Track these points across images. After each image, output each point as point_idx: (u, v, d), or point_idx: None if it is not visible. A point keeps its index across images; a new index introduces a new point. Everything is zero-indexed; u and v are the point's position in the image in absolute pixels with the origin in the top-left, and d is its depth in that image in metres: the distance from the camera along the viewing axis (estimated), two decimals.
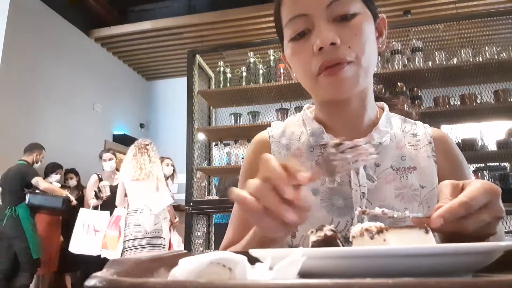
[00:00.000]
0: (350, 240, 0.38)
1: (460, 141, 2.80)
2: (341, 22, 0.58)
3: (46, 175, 4.40)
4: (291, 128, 0.75)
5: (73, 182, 4.59)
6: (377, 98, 0.76)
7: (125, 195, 3.34)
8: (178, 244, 3.65)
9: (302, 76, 0.63)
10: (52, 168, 4.36)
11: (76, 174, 4.71)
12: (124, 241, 3.11)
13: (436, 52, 2.93)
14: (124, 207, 3.32)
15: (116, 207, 3.50)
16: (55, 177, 4.30)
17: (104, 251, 3.49)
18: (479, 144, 2.79)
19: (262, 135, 0.77)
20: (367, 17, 0.61)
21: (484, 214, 0.41)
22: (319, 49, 0.57)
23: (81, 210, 3.84)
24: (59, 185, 4.33)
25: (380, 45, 0.66)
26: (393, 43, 2.94)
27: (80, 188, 4.71)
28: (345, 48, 0.57)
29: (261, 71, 3.18)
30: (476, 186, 0.42)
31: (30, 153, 3.93)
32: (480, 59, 2.81)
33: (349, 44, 0.57)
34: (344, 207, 0.63)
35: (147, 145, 3.36)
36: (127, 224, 3.13)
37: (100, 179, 3.96)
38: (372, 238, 0.34)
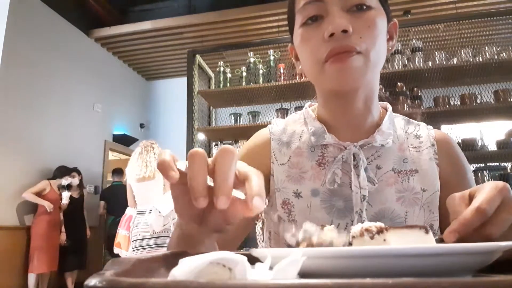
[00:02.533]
0: (350, 240, 0.38)
1: (460, 141, 2.80)
2: (356, 13, 0.58)
3: (54, 177, 4.48)
4: (292, 126, 0.73)
5: (75, 181, 4.65)
6: (383, 101, 0.75)
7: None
8: None
9: (309, 63, 0.62)
10: (66, 171, 4.60)
11: (79, 173, 4.80)
12: (132, 241, 3.10)
13: (436, 52, 2.93)
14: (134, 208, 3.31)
15: None
16: (71, 180, 4.56)
17: (117, 250, 3.50)
18: (479, 144, 2.80)
19: (263, 131, 0.76)
20: (381, 14, 0.60)
21: (502, 214, 0.38)
22: (330, 35, 0.56)
23: None
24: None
25: (390, 48, 0.66)
26: None
27: (81, 187, 4.86)
28: (356, 37, 0.56)
29: (261, 71, 3.18)
30: (483, 189, 0.39)
31: (122, 176, 4.92)
32: (480, 59, 2.81)
33: (361, 34, 0.56)
34: (344, 209, 0.62)
35: (153, 143, 3.38)
36: (136, 225, 3.12)
37: None
38: (372, 238, 0.34)
